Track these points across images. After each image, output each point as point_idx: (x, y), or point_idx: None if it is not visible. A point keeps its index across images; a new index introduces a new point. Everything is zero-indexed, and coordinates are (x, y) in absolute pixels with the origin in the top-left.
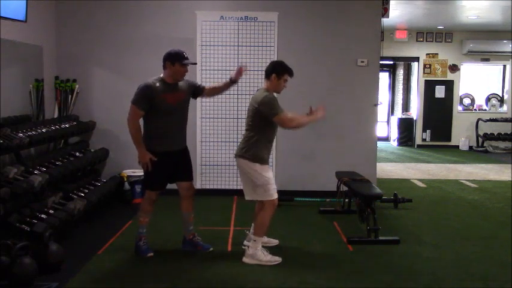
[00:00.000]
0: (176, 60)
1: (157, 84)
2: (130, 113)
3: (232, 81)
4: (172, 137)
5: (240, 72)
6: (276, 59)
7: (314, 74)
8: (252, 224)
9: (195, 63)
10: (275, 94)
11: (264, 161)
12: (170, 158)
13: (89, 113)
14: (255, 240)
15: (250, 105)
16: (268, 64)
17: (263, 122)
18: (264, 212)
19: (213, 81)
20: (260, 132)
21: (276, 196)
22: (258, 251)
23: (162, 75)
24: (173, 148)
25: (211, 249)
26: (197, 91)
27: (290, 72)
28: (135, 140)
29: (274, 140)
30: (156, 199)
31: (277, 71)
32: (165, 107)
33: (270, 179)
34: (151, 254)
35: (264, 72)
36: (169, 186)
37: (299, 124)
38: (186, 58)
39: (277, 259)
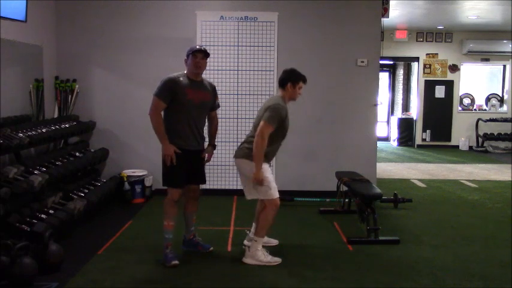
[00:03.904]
0: (189, 53)
1: (181, 79)
2: (152, 105)
3: (209, 145)
4: (188, 135)
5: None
6: (276, 59)
7: (314, 74)
8: (253, 224)
9: (207, 53)
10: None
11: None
12: (187, 156)
13: (89, 113)
14: (256, 241)
15: (261, 108)
16: (281, 73)
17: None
18: (266, 212)
19: (212, 81)
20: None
21: (277, 195)
22: (259, 252)
23: (185, 71)
24: (188, 146)
25: (212, 249)
26: (213, 105)
27: (304, 79)
28: (158, 132)
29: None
30: (178, 199)
31: (292, 79)
32: (186, 102)
33: (268, 177)
34: (176, 262)
35: (263, 73)
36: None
37: (257, 147)
38: (198, 50)
39: (277, 260)
